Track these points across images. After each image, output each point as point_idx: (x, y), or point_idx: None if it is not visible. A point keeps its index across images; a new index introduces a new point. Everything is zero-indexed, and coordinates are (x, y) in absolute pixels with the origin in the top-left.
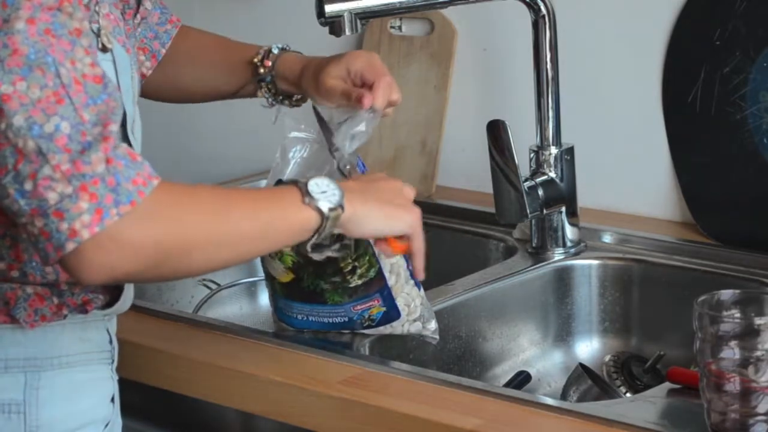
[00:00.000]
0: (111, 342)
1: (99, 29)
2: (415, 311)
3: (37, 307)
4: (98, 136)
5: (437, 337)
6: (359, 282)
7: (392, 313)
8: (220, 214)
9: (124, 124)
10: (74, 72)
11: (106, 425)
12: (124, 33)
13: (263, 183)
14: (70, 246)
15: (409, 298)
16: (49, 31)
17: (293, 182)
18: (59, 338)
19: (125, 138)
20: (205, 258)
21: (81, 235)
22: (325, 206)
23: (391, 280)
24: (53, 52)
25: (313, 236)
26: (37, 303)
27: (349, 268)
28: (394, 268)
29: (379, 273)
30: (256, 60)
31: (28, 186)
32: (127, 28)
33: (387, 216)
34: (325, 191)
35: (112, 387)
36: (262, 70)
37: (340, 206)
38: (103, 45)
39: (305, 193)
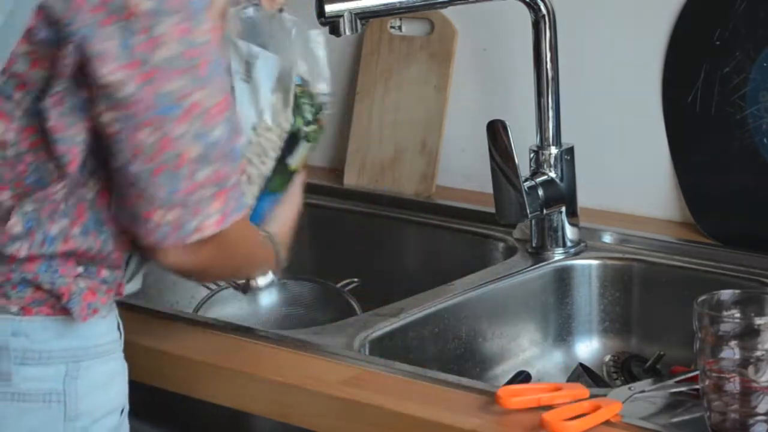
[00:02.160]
0: (119, 327)
1: None
2: None
3: (90, 301)
4: (236, 147)
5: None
6: None
7: None
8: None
9: None
10: (227, 83)
11: (122, 411)
12: None
13: None
14: (193, 238)
15: None
16: (216, 41)
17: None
18: (95, 327)
19: None
20: (241, 272)
21: (205, 232)
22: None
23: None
24: (223, 63)
25: None
26: (90, 297)
27: None
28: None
29: None
30: None
31: (182, 184)
32: None
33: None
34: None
35: (127, 373)
36: None
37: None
38: None
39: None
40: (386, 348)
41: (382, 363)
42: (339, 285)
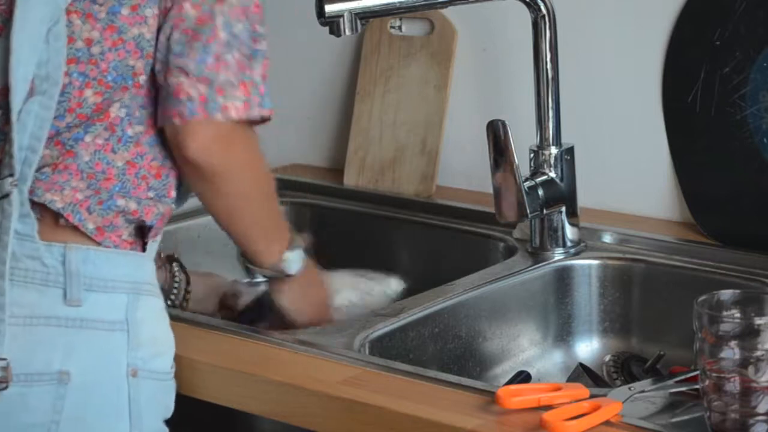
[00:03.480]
0: None
1: None
2: None
3: (159, 225)
4: (258, 50)
5: None
6: None
7: None
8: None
9: None
10: None
11: (172, 365)
12: None
13: None
14: (220, 116)
15: None
16: None
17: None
18: (145, 266)
19: None
20: (248, 192)
21: (229, 113)
22: (288, 268)
23: None
24: None
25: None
26: (160, 222)
27: None
28: None
29: None
30: None
31: (210, 59)
32: None
33: (301, 313)
34: (296, 260)
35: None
36: None
37: (287, 275)
38: None
39: (291, 247)
40: (386, 348)
41: (382, 363)
42: None
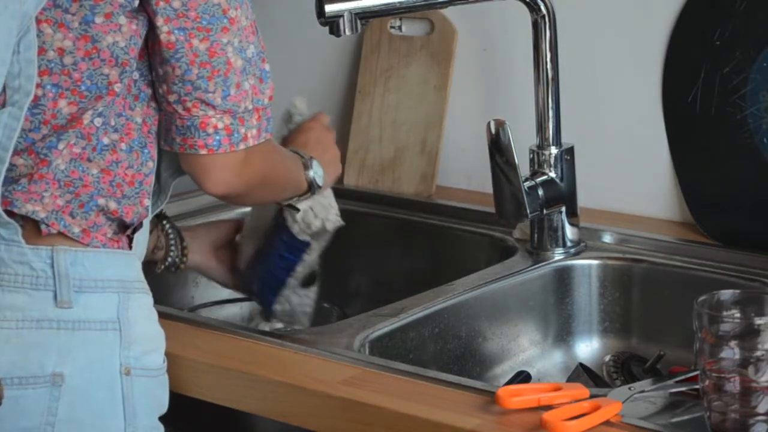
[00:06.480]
0: None
1: None
2: None
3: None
4: (265, 70)
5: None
6: None
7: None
8: (287, 160)
9: None
10: (251, 12)
11: (164, 360)
12: None
13: None
14: (242, 146)
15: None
16: None
17: (301, 156)
18: (133, 264)
19: None
20: (272, 193)
21: (248, 142)
22: (315, 183)
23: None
24: None
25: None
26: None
27: None
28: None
29: None
30: None
31: (232, 91)
32: None
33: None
34: (317, 172)
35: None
36: None
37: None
38: None
39: (308, 167)
40: (386, 348)
41: (382, 363)
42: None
